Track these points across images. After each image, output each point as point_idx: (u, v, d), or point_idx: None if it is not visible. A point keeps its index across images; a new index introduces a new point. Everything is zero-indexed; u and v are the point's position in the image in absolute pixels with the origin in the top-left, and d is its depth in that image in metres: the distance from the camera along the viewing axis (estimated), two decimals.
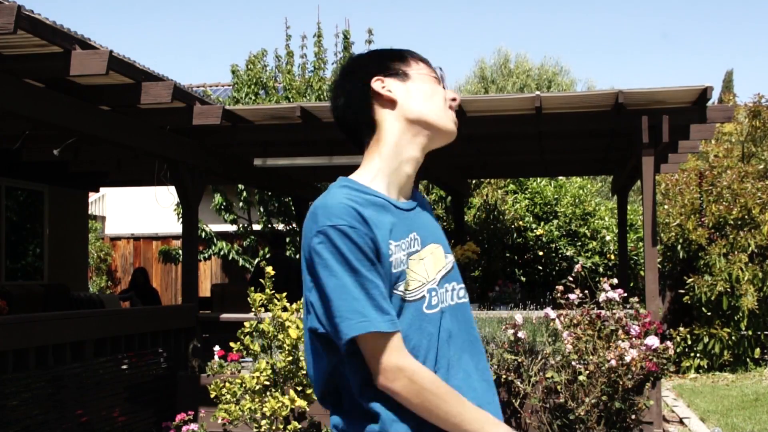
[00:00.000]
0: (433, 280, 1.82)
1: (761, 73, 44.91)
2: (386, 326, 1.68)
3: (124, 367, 6.91)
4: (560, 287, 6.43)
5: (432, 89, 1.90)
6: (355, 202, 1.74)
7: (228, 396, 5.91)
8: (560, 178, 14.03)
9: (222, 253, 13.42)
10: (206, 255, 13.54)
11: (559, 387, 6.14)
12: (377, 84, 1.87)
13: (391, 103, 1.87)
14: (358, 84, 1.88)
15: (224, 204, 12.96)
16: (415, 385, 1.68)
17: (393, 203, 1.82)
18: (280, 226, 13.35)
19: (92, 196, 16.04)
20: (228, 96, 13.58)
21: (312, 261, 1.73)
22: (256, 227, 13.59)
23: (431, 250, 1.85)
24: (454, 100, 1.93)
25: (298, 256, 11.94)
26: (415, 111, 1.87)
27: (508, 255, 13.45)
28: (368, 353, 1.69)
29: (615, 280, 6.43)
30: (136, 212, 16.20)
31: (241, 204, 13.05)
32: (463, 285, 1.92)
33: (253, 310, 5.96)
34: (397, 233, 1.78)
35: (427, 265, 1.83)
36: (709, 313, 10.51)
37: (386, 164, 1.86)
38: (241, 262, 13.40)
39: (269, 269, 5.93)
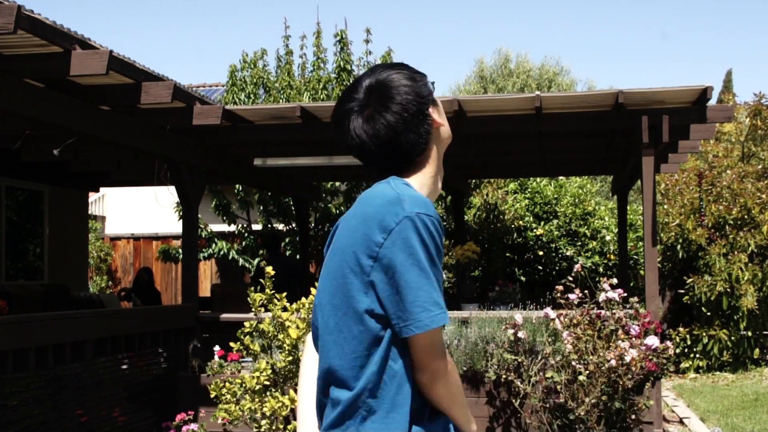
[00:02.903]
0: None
1: (761, 72, 44.93)
2: (447, 318, 1.74)
3: (124, 367, 6.91)
4: (560, 287, 6.43)
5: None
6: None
7: (228, 396, 5.92)
8: (560, 178, 14.04)
9: (222, 252, 13.42)
10: (206, 255, 13.55)
11: (559, 387, 6.14)
12: (434, 112, 1.92)
13: (437, 129, 1.93)
14: (418, 111, 1.87)
15: (222, 204, 12.95)
16: (450, 386, 1.79)
17: None
18: (281, 226, 13.34)
19: (92, 196, 16.05)
20: (222, 95, 13.57)
21: (395, 244, 1.72)
22: (256, 227, 13.59)
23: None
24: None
25: (298, 256, 11.92)
26: (448, 131, 1.96)
27: (508, 255, 13.46)
28: (427, 347, 1.73)
29: (615, 280, 6.43)
30: (136, 212, 16.21)
31: (240, 204, 13.04)
32: None
33: (253, 310, 5.96)
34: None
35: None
36: (708, 313, 10.51)
37: (432, 182, 1.92)
38: (241, 261, 13.40)
39: (269, 269, 5.93)
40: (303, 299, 5.96)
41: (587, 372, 5.99)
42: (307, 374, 1.96)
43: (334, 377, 1.78)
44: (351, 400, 1.73)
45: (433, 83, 2.04)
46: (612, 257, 13.13)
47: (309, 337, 2.00)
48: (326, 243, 1.93)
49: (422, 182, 1.89)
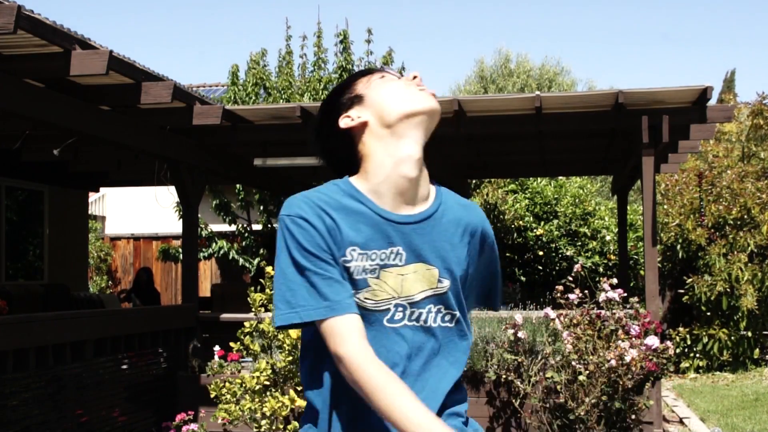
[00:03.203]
0: (407, 298, 1.82)
1: (763, 72, 44.93)
2: (316, 314, 1.72)
3: (124, 367, 6.91)
4: (560, 287, 6.43)
5: (389, 86, 1.89)
6: (321, 200, 1.79)
7: (228, 396, 5.92)
8: (560, 178, 14.04)
9: (222, 252, 13.42)
10: (206, 254, 13.54)
11: (559, 387, 6.14)
12: (344, 121, 1.88)
13: (364, 126, 1.87)
14: (331, 133, 1.91)
15: (222, 204, 12.95)
16: (351, 375, 1.69)
17: (379, 213, 1.81)
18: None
19: (92, 196, 16.04)
20: (222, 95, 13.57)
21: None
22: (256, 227, 13.59)
23: (416, 269, 1.83)
24: (415, 77, 1.91)
25: None
26: (391, 112, 1.85)
27: (508, 255, 13.46)
28: (325, 337, 1.75)
29: (615, 280, 6.43)
30: (136, 212, 16.20)
31: (240, 204, 13.04)
32: (453, 312, 1.88)
33: (253, 310, 5.96)
34: (371, 243, 1.79)
35: (406, 281, 1.82)
36: (708, 313, 10.51)
37: (374, 176, 1.84)
38: (241, 261, 13.40)
39: (269, 269, 5.93)
40: None
41: (587, 372, 5.99)
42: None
43: None
44: None
45: (383, 66, 2.01)
46: (612, 257, 13.13)
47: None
48: None
49: (372, 171, 1.84)
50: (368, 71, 1.95)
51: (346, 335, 1.70)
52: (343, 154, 1.90)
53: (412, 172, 1.83)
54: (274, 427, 5.84)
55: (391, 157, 1.83)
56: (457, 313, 1.88)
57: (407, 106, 1.84)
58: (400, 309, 1.81)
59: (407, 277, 1.82)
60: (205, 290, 12.67)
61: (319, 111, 1.97)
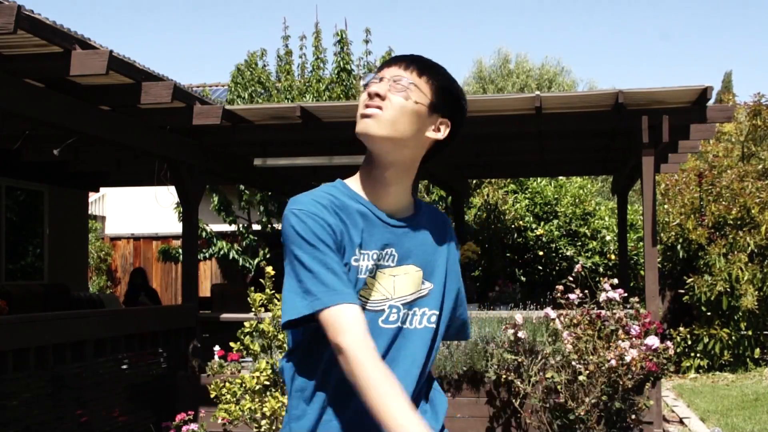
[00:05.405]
0: (400, 299, 1.85)
1: (760, 74, 44.94)
2: (322, 302, 1.71)
3: (124, 367, 6.91)
4: (560, 287, 6.43)
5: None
6: (327, 199, 1.81)
7: (228, 396, 5.91)
8: (560, 178, 14.03)
9: (222, 252, 13.42)
10: (206, 255, 13.55)
11: (559, 387, 6.14)
12: None
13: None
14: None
15: (223, 204, 12.95)
16: (348, 366, 1.68)
17: (376, 214, 1.85)
18: (280, 226, 13.33)
19: (92, 196, 16.03)
20: (224, 98, 13.57)
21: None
22: (256, 227, 13.59)
23: (407, 271, 1.87)
24: (365, 89, 1.86)
25: None
26: None
27: (508, 255, 13.46)
28: (325, 328, 1.74)
29: (615, 280, 6.43)
30: (136, 212, 16.19)
31: (242, 204, 13.05)
32: (436, 312, 1.92)
33: (253, 310, 5.96)
34: (371, 243, 1.82)
35: (398, 283, 1.85)
36: (708, 313, 10.51)
37: (365, 174, 1.88)
38: (241, 262, 13.40)
39: (269, 269, 5.93)
40: None
41: (587, 372, 5.99)
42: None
43: None
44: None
45: (368, 73, 2.05)
46: (612, 257, 13.13)
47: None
48: None
49: (360, 177, 1.90)
50: (383, 64, 1.94)
51: (347, 326, 1.70)
52: None
53: (388, 182, 1.86)
54: (274, 427, 5.84)
55: (370, 164, 1.89)
56: (437, 315, 1.93)
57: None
58: (395, 310, 1.85)
59: (398, 278, 1.86)
60: (205, 290, 12.67)
61: None
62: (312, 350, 1.82)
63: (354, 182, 1.88)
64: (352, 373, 1.68)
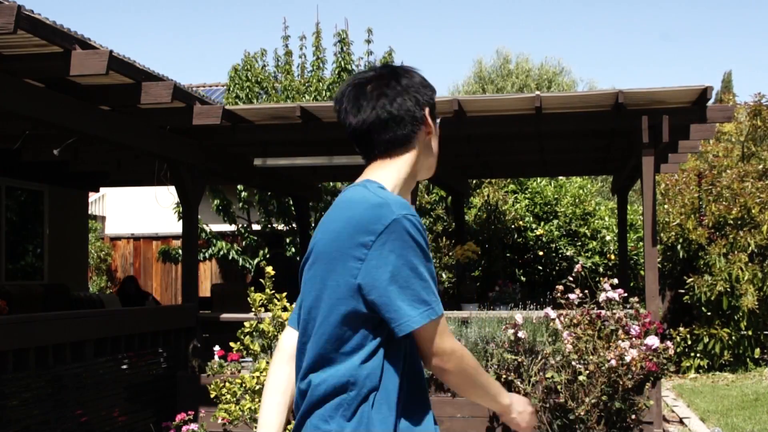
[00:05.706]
0: None
1: (760, 74, 44.94)
2: (442, 309, 1.86)
3: (124, 367, 6.91)
4: (560, 287, 6.43)
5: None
6: None
7: (228, 396, 5.91)
8: (560, 178, 14.03)
9: (222, 253, 13.41)
10: (206, 255, 13.54)
11: (559, 387, 6.14)
12: (430, 120, 2.02)
13: (428, 135, 2.03)
14: (414, 104, 1.98)
15: (223, 204, 12.94)
16: (462, 364, 1.88)
17: None
18: (280, 226, 13.33)
19: (92, 196, 16.04)
20: (221, 101, 13.57)
21: (384, 245, 1.79)
22: (256, 227, 13.58)
23: None
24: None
25: (298, 257, 11.92)
26: (436, 149, 2.08)
27: (508, 255, 13.45)
28: (427, 337, 1.83)
29: (615, 280, 6.42)
30: (136, 212, 16.19)
31: (241, 204, 13.04)
32: None
33: (253, 310, 5.96)
34: None
35: None
36: (709, 313, 10.51)
37: (405, 182, 2.00)
38: (241, 262, 13.39)
39: (269, 269, 5.93)
40: None
41: (587, 372, 5.99)
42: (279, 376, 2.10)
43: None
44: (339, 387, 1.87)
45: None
46: (612, 257, 13.12)
47: (283, 340, 2.09)
48: (307, 251, 1.98)
49: (398, 181, 1.99)
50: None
51: (450, 331, 1.89)
52: (398, 126, 1.96)
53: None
54: None
55: (415, 176, 2.06)
56: None
57: (435, 160, 2.11)
58: None
59: None
60: (205, 290, 12.66)
61: (409, 72, 2.02)
62: (390, 355, 1.86)
63: (387, 187, 1.96)
64: (463, 371, 1.89)
